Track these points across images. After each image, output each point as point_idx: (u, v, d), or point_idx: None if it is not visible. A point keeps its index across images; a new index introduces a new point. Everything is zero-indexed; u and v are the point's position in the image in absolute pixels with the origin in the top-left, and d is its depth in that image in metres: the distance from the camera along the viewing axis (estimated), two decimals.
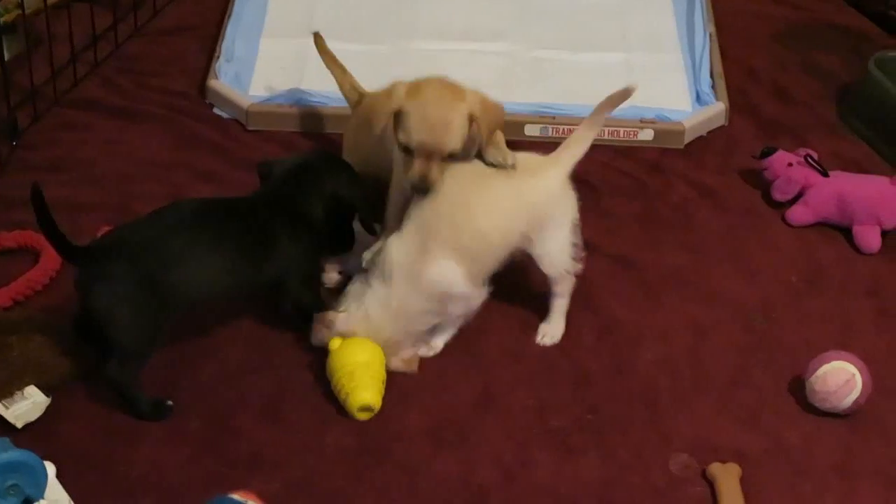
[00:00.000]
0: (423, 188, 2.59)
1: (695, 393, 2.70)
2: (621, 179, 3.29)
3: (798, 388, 2.71)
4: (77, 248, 2.49)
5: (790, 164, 3.19)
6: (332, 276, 2.85)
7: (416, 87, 2.59)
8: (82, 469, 2.45)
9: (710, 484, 2.50)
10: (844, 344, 2.77)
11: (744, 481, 2.50)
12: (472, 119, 2.57)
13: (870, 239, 3.10)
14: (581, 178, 3.24)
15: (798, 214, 3.17)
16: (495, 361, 2.75)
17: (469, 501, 2.45)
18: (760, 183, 3.26)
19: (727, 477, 2.49)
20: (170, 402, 2.59)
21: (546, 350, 2.78)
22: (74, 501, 2.31)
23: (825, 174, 3.18)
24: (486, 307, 2.81)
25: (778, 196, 3.21)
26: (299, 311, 2.74)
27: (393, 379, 2.65)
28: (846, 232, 3.14)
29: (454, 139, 2.57)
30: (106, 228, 2.83)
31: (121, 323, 2.49)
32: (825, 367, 2.63)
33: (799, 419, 2.66)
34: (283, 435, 2.57)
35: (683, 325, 2.87)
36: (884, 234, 3.11)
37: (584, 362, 2.75)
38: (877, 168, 3.33)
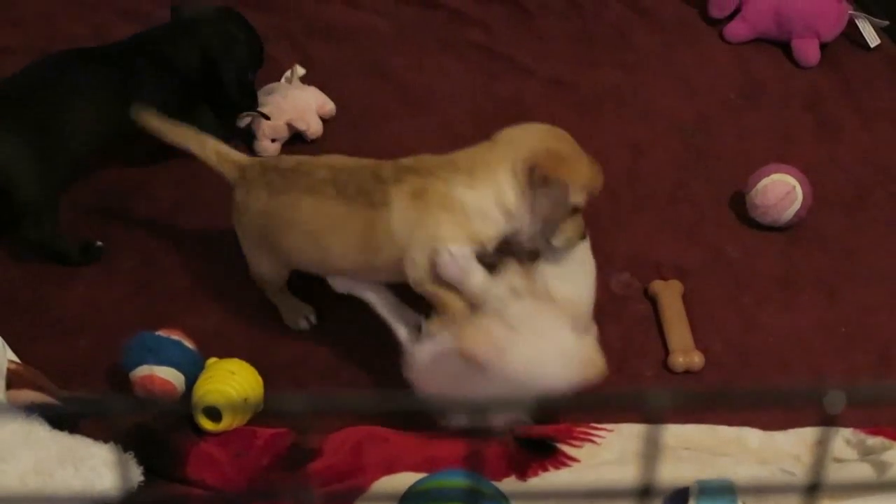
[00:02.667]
0: (580, 238, 2.23)
1: (634, 211, 2.68)
2: (555, 1, 3.21)
3: (738, 202, 2.69)
4: None
5: None
6: (266, 144, 2.77)
7: (554, 143, 2.17)
8: (14, 312, 2.42)
9: (652, 301, 2.49)
10: (784, 157, 2.74)
11: (685, 297, 2.49)
12: None
13: (808, 52, 3.06)
14: (514, 1, 3.20)
15: (736, 30, 3.12)
16: None
17: None
18: (697, 0, 3.21)
19: (669, 293, 2.49)
20: (99, 244, 2.54)
21: None
22: (9, 345, 2.27)
23: None
24: (418, 135, 2.78)
25: (715, 12, 3.15)
26: None
27: None
28: (785, 47, 3.10)
29: None
30: None
31: (19, 180, 2.42)
32: (765, 181, 2.61)
33: (739, 233, 2.65)
34: (218, 272, 2.53)
35: (621, 143, 2.83)
36: (822, 46, 3.07)
37: None
38: None
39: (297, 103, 2.79)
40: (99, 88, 2.53)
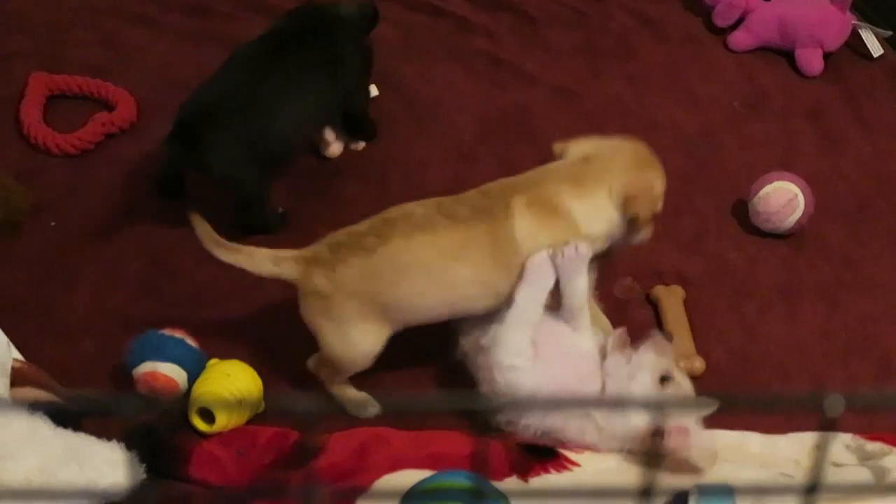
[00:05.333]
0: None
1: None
2: (561, 11, 3.23)
3: (741, 211, 2.70)
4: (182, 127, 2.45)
5: None
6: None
7: (642, 173, 2.26)
8: (21, 316, 2.42)
9: (654, 306, 2.50)
10: (787, 166, 2.76)
11: (687, 303, 2.50)
12: None
13: (812, 62, 3.07)
14: (520, 11, 3.21)
15: (740, 40, 3.14)
16: (431, 195, 2.72)
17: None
18: (701, 10, 3.22)
19: (671, 298, 2.50)
20: (281, 210, 2.63)
21: (485, 182, 2.75)
22: (15, 346, 2.28)
23: None
24: (423, 142, 2.80)
25: (719, 22, 3.17)
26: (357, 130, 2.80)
27: (337, 214, 2.64)
28: (788, 56, 3.12)
29: None
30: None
31: (244, 184, 2.51)
32: (768, 188, 2.62)
33: (742, 241, 2.66)
34: (223, 274, 2.53)
35: None
36: (826, 56, 3.09)
37: None
38: None
39: None
40: (313, 77, 2.57)
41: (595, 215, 2.20)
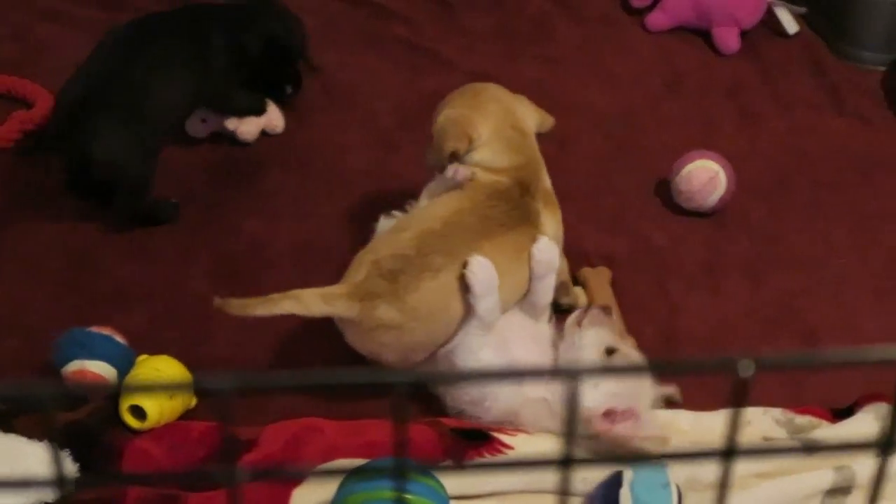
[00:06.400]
0: None
1: (560, 202, 2.68)
2: None
3: (663, 191, 2.72)
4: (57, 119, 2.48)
5: None
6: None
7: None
8: None
9: (582, 287, 2.51)
10: (707, 144, 2.78)
11: (614, 283, 2.51)
12: None
13: (728, 40, 3.10)
14: None
15: (656, 20, 3.16)
16: (353, 182, 2.72)
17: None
18: None
19: (597, 279, 2.51)
20: (174, 201, 2.62)
21: (406, 169, 2.75)
22: None
23: None
24: (344, 130, 2.79)
25: (636, 3, 3.19)
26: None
27: (259, 204, 2.62)
28: (705, 35, 3.15)
29: None
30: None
31: (125, 165, 2.49)
32: (689, 167, 2.64)
33: (665, 220, 2.68)
34: (147, 269, 2.52)
35: (545, 136, 2.82)
36: (742, 34, 3.12)
37: None
38: None
39: None
40: (179, 62, 2.56)
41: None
